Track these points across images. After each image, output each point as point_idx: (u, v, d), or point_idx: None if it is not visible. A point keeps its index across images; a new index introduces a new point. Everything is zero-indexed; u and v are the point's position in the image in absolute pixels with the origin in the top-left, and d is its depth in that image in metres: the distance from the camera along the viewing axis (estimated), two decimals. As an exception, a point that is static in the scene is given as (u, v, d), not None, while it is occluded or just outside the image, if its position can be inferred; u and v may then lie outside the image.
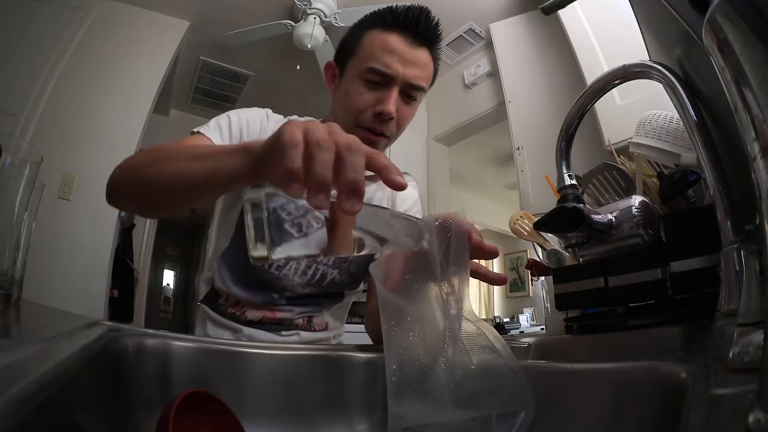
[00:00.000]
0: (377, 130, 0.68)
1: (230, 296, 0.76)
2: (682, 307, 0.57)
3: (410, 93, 0.68)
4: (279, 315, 0.76)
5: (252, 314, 0.75)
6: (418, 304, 0.38)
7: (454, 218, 0.39)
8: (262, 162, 0.38)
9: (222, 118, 0.72)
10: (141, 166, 0.55)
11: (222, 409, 0.39)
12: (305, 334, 0.77)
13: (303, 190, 0.31)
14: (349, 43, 0.71)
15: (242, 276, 0.75)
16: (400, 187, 0.34)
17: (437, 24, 0.69)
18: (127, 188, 0.57)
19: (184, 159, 0.50)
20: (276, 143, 0.34)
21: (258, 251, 0.31)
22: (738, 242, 0.38)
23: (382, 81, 0.66)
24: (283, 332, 0.75)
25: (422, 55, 0.68)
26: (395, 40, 0.66)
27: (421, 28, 0.67)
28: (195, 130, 0.68)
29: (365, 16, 0.70)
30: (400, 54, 0.65)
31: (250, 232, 0.31)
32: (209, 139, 0.67)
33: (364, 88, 0.67)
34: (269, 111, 0.78)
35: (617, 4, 1.60)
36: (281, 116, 0.79)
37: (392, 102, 0.66)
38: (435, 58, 0.71)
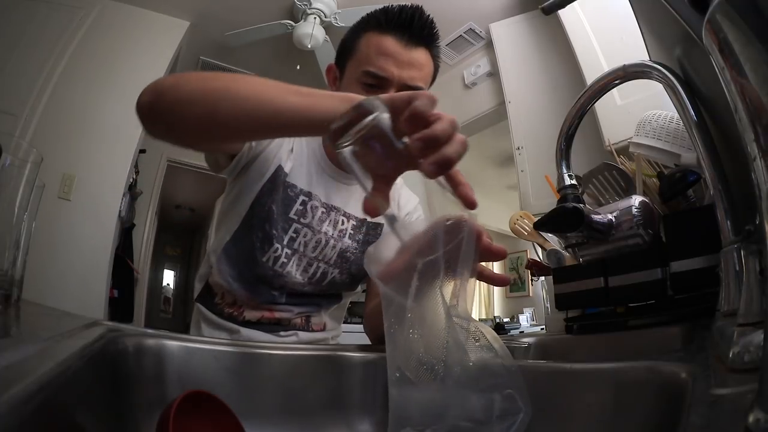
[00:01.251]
0: None
1: (227, 294, 0.76)
2: (682, 307, 0.57)
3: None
4: (278, 315, 0.76)
5: (250, 314, 0.75)
6: (420, 303, 0.38)
7: (467, 220, 0.39)
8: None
9: None
10: (217, 78, 0.50)
11: (222, 409, 0.39)
12: (303, 335, 0.77)
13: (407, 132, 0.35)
14: (347, 46, 0.71)
15: (244, 271, 0.74)
16: (473, 205, 0.37)
17: (432, 22, 0.68)
18: (189, 98, 0.49)
19: (275, 88, 0.46)
20: (409, 92, 0.38)
21: (342, 122, 0.34)
22: (738, 242, 0.38)
23: (378, 84, 0.66)
24: (282, 332, 0.75)
25: (419, 55, 0.67)
26: (390, 42, 0.65)
27: (416, 27, 0.66)
28: None
29: (362, 17, 0.70)
30: (395, 56, 0.65)
31: (352, 109, 0.34)
32: None
33: (361, 91, 0.66)
34: None
35: (617, 4, 1.60)
36: None
37: None
38: (434, 56, 0.70)
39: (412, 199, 0.88)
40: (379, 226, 0.81)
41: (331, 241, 0.76)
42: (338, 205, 0.77)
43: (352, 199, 0.78)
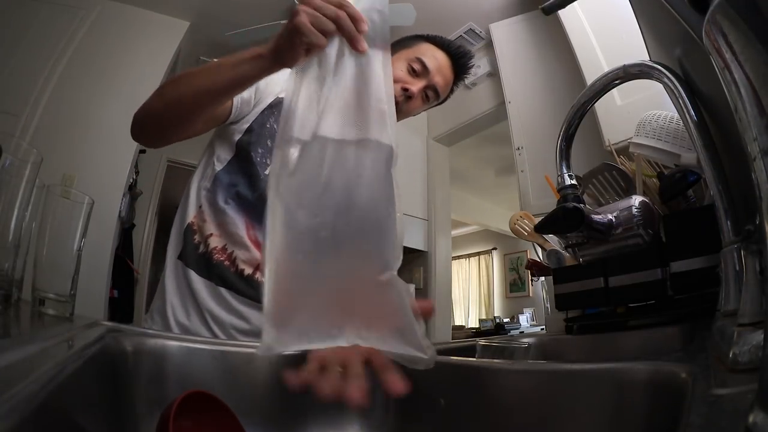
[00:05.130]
0: (396, 99, 0.82)
1: (215, 236, 0.73)
2: (682, 307, 0.57)
3: (428, 94, 0.86)
4: None
5: (243, 263, 0.72)
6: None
7: None
8: (275, 46, 0.52)
9: None
10: (164, 93, 0.67)
11: (222, 409, 0.39)
12: None
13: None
14: (407, 42, 0.88)
15: (242, 190, 0.74)
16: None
17: (470, 67, 0.91)
18: (153, 112, 0.67)
19: (205, 74, 0.62)
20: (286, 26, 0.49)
21: None
22: (738, 242, 0.38)
23: (420, 71, 0.83)
24: None
25: (450, 78, 0.88)
26: (441, 56, 0.86)
27: (461, 63, 0.88)
28: None
29: (427, 34, 0.91)
30: (440, 64, 0.85)
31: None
32: None
33: (405, 69, 0.84)
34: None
35: (617, 4, 1.60)
36: None
37: (419, 87, 0.83)
38: (451, 89, 0.91)
39: None
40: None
41: None
42: None
43: None
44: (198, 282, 0.73)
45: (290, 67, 0.51)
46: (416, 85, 0.83)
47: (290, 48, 0.49)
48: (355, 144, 0.37)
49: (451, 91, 0.93)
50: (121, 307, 2.33)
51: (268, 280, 0.33)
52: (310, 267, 0.35)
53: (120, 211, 2.03)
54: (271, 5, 2.37)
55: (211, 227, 0.74)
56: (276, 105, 0.82)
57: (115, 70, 2.11)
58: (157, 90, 0.69)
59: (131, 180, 2.30)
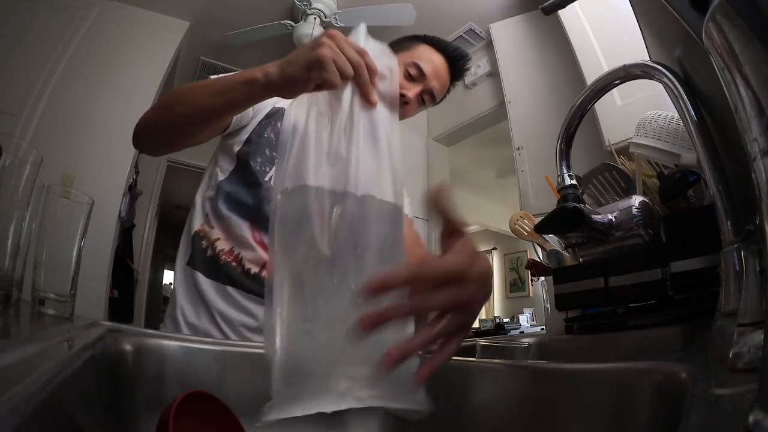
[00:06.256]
0: None
1: (221, 240, 0.74)
2: (682, 307, 0.57)
3: (424, 97, 0.85)
4: None
5: (249, 263, 0.74)
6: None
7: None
8: (284, 72, 0.51)
9: None
10: (159, 111, 0.69)
11: (222, 409, 0.39)
12: None
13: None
14: (404, 44, 0.88)
15: (244, 198, 0.75)
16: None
17: (467, 69, 0.92)
18: (152, 125, 0.69)
19: (199, 97, 0.62)
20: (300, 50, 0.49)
21: None
22: (738, 242, 0.38)
23: (416, 76, 0.83)
24: None
25: (446, 80, 0.88)
26: (439, 60, 0.85)
27: (458, 66, 0.88)
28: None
29: (426, 35, 0.90)
30: (437, 68, 0.85)
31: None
32: None
33: (402, 73, 0.84)
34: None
35: (617, 4, 1.60)
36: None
37: (415, 92, 0.83)
38: (448, 90, 0.91)
39: None
40: None
41: None
42: None
43: None
44: (206, 283, 0.75)
45: (290, 98, 0.49)
46: (412, 91, 0.82)
47: (305, 79, 0.47)
48: (359, 199, 0.36)
49: (447, 92, 0.92)
50: (121, 307, 2.33)
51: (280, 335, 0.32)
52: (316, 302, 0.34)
53: (120, 211, 2.03)
54: (271, 5, 2.38)
55: (217, 232, 0.76)
56: (273, 114, 0.82)
57: (115, 70, 2.12)
58: (155, 105, 0.71)
59: (131, 180, 2.30)
